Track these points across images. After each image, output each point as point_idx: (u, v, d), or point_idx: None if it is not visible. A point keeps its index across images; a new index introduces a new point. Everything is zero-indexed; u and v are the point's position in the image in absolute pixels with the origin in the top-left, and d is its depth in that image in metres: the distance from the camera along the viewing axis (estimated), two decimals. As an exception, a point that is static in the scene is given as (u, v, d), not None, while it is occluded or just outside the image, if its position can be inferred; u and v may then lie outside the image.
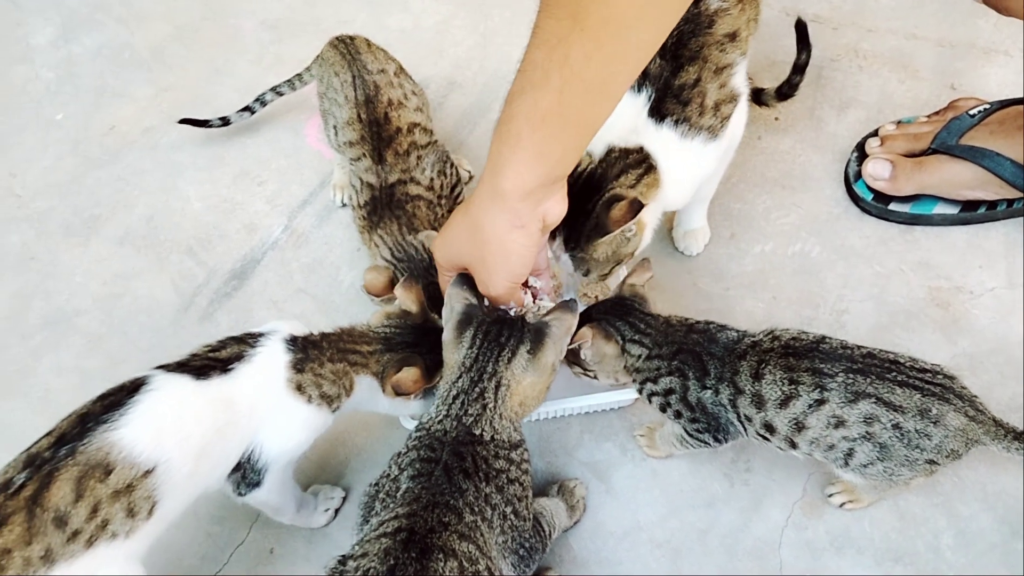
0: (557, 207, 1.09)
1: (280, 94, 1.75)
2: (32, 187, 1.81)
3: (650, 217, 1.27)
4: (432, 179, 1.46)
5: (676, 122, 1.24)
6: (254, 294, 1.62)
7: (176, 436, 1.03)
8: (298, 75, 1.69)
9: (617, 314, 1.20)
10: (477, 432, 1.05)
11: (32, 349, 1.58)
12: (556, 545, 1.29)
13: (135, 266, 1.68)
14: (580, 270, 1.28)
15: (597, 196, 1.22)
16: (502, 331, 1.08)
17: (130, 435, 0.99)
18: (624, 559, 1.29)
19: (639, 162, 1.24)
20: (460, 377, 1.07)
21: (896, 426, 1.05)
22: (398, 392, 1.14)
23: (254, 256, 1.67)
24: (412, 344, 1.19)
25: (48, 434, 1.01)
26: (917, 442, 1.06)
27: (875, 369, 1.07)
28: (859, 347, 1.10)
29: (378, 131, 1.44)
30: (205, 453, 1.06)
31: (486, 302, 1.15)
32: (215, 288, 1.63)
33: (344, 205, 1.69)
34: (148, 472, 1.00)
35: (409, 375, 1.13)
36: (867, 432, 1.06)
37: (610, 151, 1.24)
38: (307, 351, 1.14)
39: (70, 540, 0.95)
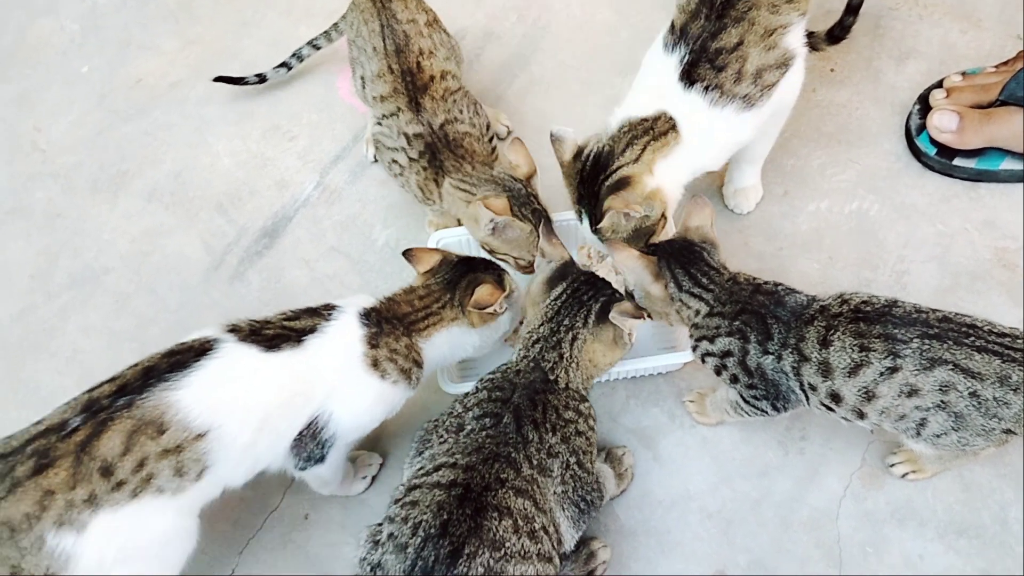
0: None
1: (317, 48, 1.69)
2: (57, 142, 1.76)
3: (672, 188, 1.23)
4: (471, 118, 1.41)
5: (706, 88, 1.18)
6: (286, 252, 1.57)
7: (235, 405, 1.03)
8: (334, 25, 1.63)
9: (681, 262, 1.14)
10: (553, 377, 1.09)
11: (59, 308, 1.54)
12: (602, 515, 1.24)
13: (164, 223, 1.63)
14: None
15: (603, 176, 1.20)
16: (587, 291, 1.13)
17: (188, 398, 1.00)
18: (673, 528, 1.24)
19: (647, 130, 1.20)
20: (541, 325, 1.12)
21: (973, 394, 0.99)
22: (481, 308, 1.16)
23: (285, 213, 1.61)
24: (466, 273, 1.21)
25: (111, 380, 1.01)
26: (995, 411, 1.00)
27: (952, 334, 1.00)
28: (934, 311, 1.04)
29: (411, 80, 1.38)
30: (267, 426, 1.06)
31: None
32: (246, 246, 1.58)
33: (376, 161, 1.62)
34: (200, 436, 1.00)
35: (484, 290, 1.17)
36: (942, 401, 1.00)
37: (622, 127, 1.21)
38: (381, 325, 1.14)
39: (115, 489, 0.96)
